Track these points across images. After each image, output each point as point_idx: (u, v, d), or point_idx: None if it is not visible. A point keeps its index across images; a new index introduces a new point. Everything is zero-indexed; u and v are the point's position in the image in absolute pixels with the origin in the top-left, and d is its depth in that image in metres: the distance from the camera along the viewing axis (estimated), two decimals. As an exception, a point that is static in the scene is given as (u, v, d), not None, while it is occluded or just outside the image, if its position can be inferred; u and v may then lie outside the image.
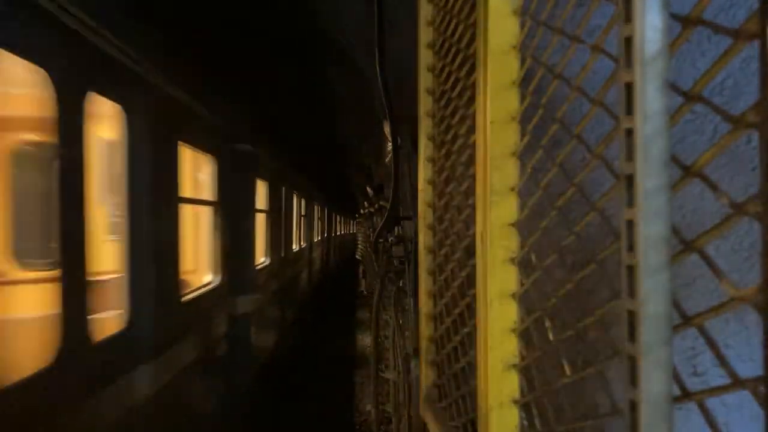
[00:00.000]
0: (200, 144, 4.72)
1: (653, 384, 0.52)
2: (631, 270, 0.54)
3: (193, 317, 4.43)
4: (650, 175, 0.52)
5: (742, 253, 1.26)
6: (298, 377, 8.89)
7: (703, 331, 0.57)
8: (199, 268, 5.21)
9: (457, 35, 1.40)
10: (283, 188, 8.80)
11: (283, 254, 8.76)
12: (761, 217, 0.47)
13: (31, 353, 2.55)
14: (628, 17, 0.54)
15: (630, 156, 0.54)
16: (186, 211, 4.57)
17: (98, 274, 2.92)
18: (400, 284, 3.87)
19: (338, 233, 25.63)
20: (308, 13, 5.30)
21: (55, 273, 2.45)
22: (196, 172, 5.20)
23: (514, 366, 1.03)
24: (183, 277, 4.25)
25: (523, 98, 1.02)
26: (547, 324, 0.94)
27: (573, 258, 1.26)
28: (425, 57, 1.79)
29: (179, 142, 4.06)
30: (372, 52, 2.82)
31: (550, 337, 0.93)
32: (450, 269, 1.55)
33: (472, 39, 1.22)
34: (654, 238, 0.52)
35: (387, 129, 3.23)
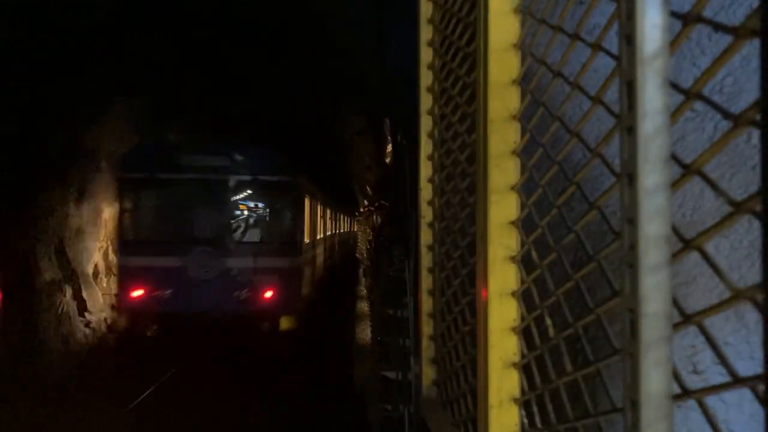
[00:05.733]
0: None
1: (653, 382, 0.52)
2: (631, 268, 0.54)
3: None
4: (650, 173, 0.52)
5: (741, 251, 1.26)
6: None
7: (702, 329, 0.57)
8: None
9: (457, 33, 1.40)
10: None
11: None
12: (761, 215, 0.47)
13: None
14: (628, 15, 0.54)
15: (630, 154, 0.54)
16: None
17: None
18: (401, 282, 3.87)
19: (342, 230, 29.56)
20: (308, 11, 5.29)
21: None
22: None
23: (515, 364, 1.03)
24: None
25: (523, 96, 1.02)
26: (548, 322, 0.94)
27: (573, 256, 1.26)
28: (425, 55, 1.79)
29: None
30: (372, 51, 2.82)
31: (551, 335, 0.93)
32: (450, 267, 1.55)
33: (472, 37, 1.22)
34: (654, 236, 0.52)
35: (387, 127, 3.23)
